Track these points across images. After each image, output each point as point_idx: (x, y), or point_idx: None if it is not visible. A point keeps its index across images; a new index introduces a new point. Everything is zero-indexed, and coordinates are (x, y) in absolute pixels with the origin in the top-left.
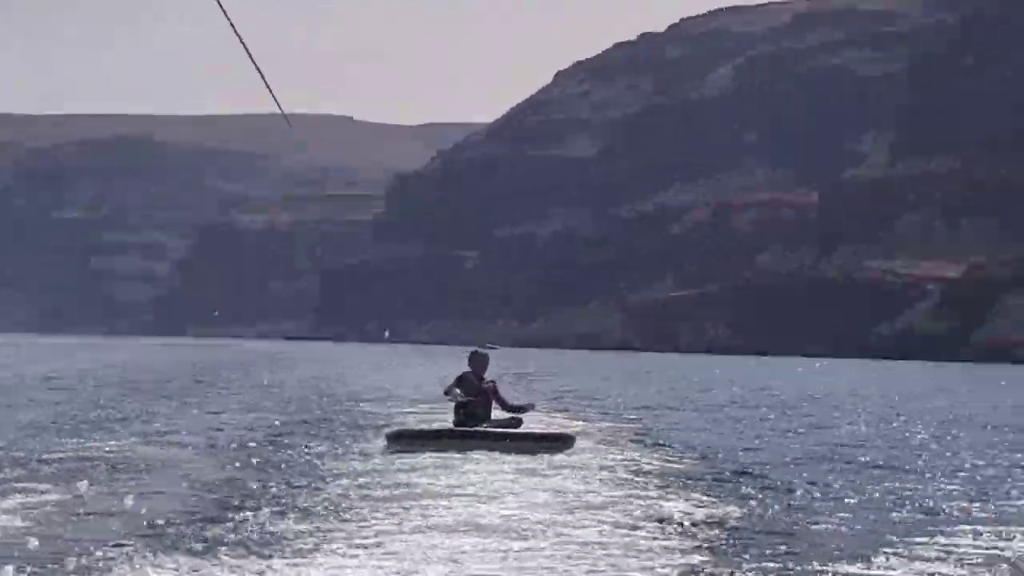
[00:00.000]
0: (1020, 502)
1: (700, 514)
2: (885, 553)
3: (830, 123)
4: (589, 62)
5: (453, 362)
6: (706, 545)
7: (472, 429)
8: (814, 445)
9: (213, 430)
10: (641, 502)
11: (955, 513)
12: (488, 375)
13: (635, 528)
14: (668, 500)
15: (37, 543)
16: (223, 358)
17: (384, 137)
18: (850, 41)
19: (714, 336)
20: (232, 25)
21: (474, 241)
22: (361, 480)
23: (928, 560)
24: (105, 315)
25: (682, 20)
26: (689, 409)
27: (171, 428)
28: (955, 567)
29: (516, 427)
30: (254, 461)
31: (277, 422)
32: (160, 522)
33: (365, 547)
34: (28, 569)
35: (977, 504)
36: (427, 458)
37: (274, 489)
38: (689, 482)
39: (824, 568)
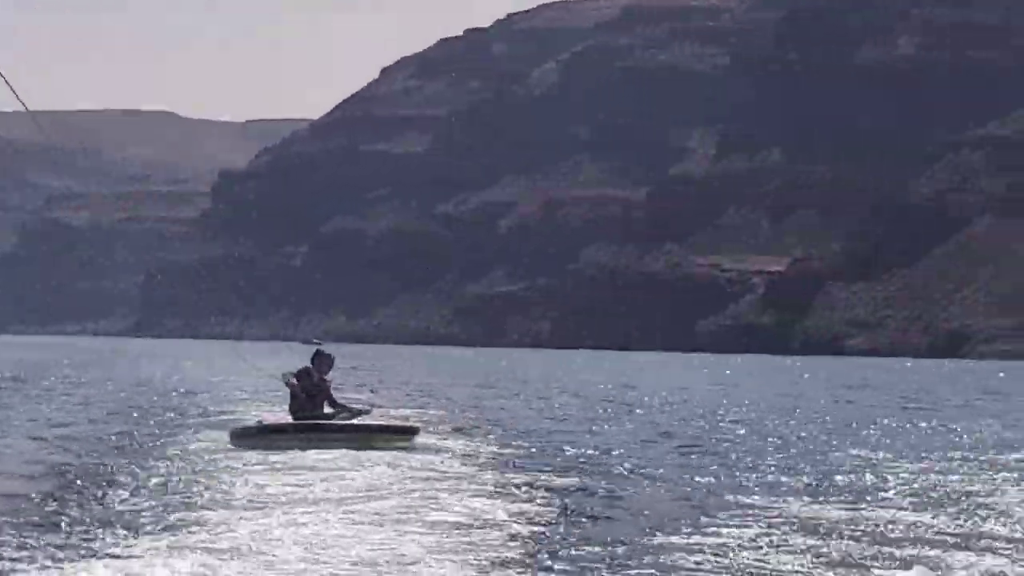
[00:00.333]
0: (807, 476)
1: (540, 501)
2: (695, 523)
3: (657, 119)
4: (415, 57)
5: (284, 359)
6: (542, 531)
7: (315, 423)
8: (635, 432)
9: (47, 428)
10: (481, 493)
11: (757, 486)
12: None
13: (472, 519)
14: (508, 490)
15: None
16: (49, 356)
17: (210, 133)
18: (676, 37)
19: (542, 331)
20: None
21: (302, 237)
22: (202, 477)
23: (737, 527)
24: None
25: (508, 15)
26: (520, 401)
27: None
28: (761, 528)
29: (369, 411)
30: (89, 461)
31: (112, 421)
32: None
33: (203, 544)
34: None
35: (787, 478)
36: (269, 453)
37: (116, 487)
38: (526, 470)
39: (644, 539)
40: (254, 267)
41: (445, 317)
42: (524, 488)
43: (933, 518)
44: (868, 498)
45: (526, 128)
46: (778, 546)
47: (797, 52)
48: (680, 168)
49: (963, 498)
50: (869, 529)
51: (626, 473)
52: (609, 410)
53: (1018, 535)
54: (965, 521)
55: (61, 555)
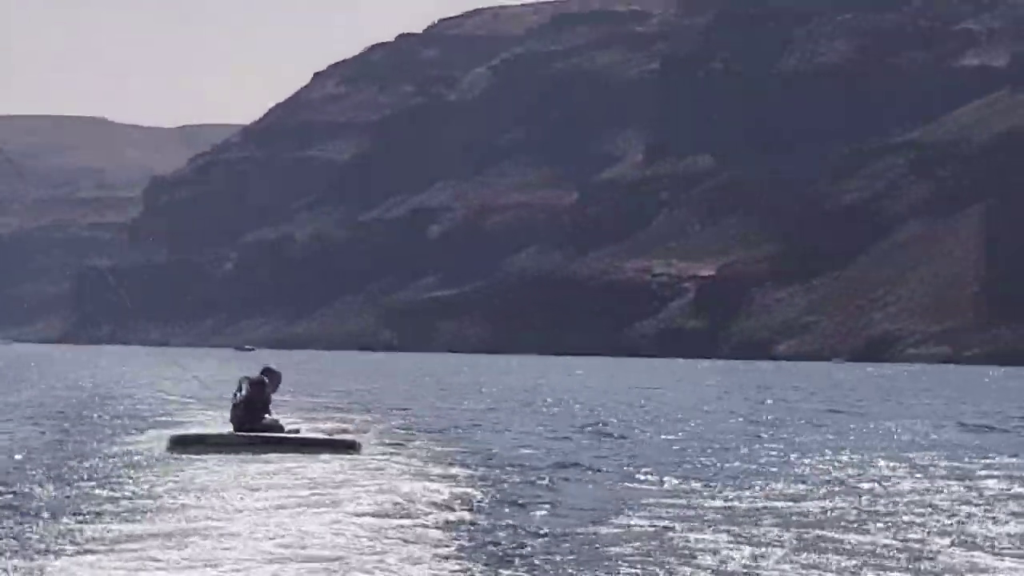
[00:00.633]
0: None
1: (469, 498)
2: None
3: (587, 124)
4: (346, 64)
5: (216, 364)
6: (486, 538)
7: (255, 434)
8: (566, 434)
9: None
10: (425, 504)
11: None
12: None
13: (420, 529)
14: (453, 501)
15: None
16: None
17: (140, 139)
18: (605, 42)
19: (473, 336)
20: None
21: (232, 243)
22: (140, 486)
23: (649, 517)
24: None
25: (440, 21)
26: (459, 408)
27: None
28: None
29: (298, 431)
30: (25, 468)
31: (48, 428)
32: None
33: (135, 551)
34: None
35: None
36: (209, 462)
37: (52, 493)
38: (473, 479)
39: (577, 528)
40: (184, 273)
41: (376, 323)
42: (458, 489)
43: (833, 504)
44: (775, 488)
45: (456, 134)
46: (688, 532)
47: (726, 57)
48: (610, 173)
49: (866, 487)
50: (775, 515)
51: (544, 467)
52: (533, 410)
53: (906, 518)
54: (864, 507)
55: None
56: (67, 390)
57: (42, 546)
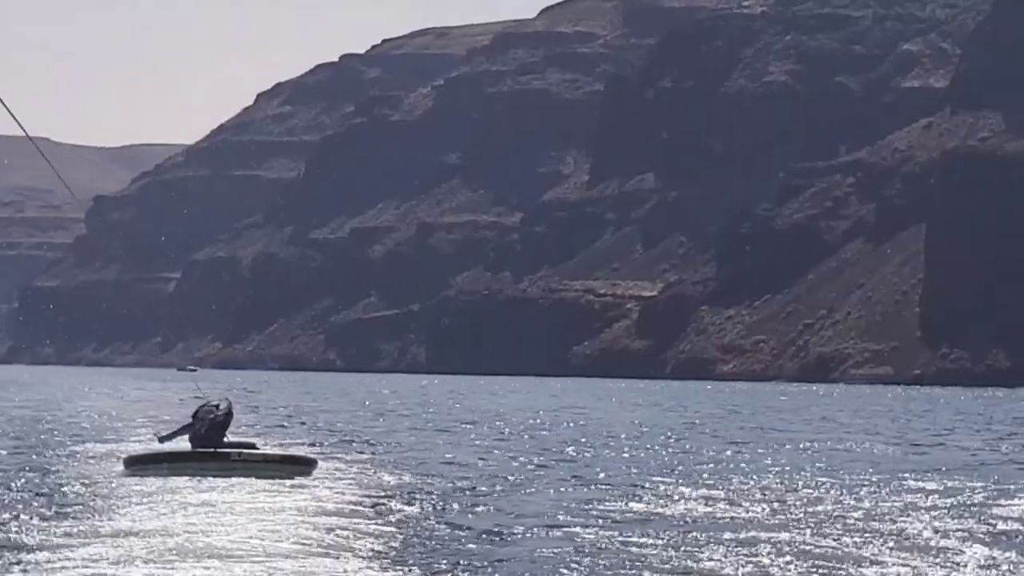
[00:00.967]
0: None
1: (440, 526)
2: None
3: (530, 145)
4: (290, 83)
5: (160, 385)
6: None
7: (210, 451)
8: (492, 447)
9: None
10: (379, 522)
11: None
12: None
13: (364, 547)
14: (405, 518)
15: None
16: None
17: (84, 159)
18: (549, 63)
19: (417, 356)
20: None
21: (175, 263)
22: (95, 504)
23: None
24: None
25: (383, 41)
26: (406, 428)
27: None
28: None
29: (254, 448)
30: None
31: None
32: None
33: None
34: None
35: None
36: (164, 481)
37: (4, 514)
38: (425, 496)
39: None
40: (127, 293)
41: (319, 343)
42: (403, 501)
43: (748, 512)
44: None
45: (400, 154)
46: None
47: (670, 78)
48: (553, 194)
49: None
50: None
51: (480, 481)
52: (472, 429)
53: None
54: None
55: None
56: (14, 410)
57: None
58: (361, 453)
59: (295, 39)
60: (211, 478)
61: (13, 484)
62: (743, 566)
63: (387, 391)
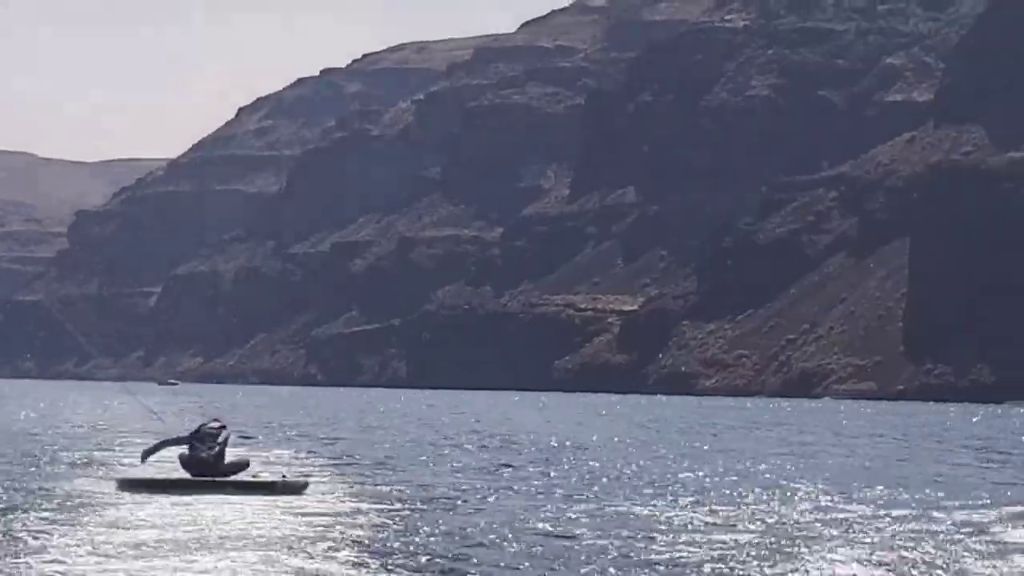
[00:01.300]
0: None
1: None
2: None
3: (511, 159)
4: (271, 97)
5: (142, 400)
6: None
7: (201, 478)
8: (473, 463)
9: None
10: (369, 549)
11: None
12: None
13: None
14: (392, 542)
15: None
16: None
17: (66, 173)
18: (529, 77)
19: (398, 370)
20: None
21: (156, 277)
22: (86, 529)
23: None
24: None
25: (364, 55)
26: (390, 444)
27: None
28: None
29: (246, 469)
30: None
31: None
32: None
33: None
34: None
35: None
36: (157, 504)
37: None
38: (407, 509)
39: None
40: (109, 307)
41: (300, 357)
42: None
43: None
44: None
45: (380, 168)
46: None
47: (651, 92)
48: (534, 208)
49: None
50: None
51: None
52: (452, 443)
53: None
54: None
55: None
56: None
57: None
58: (353, 471)
59: (276, 53)
60: (201, 500)
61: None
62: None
63: (369, 405)
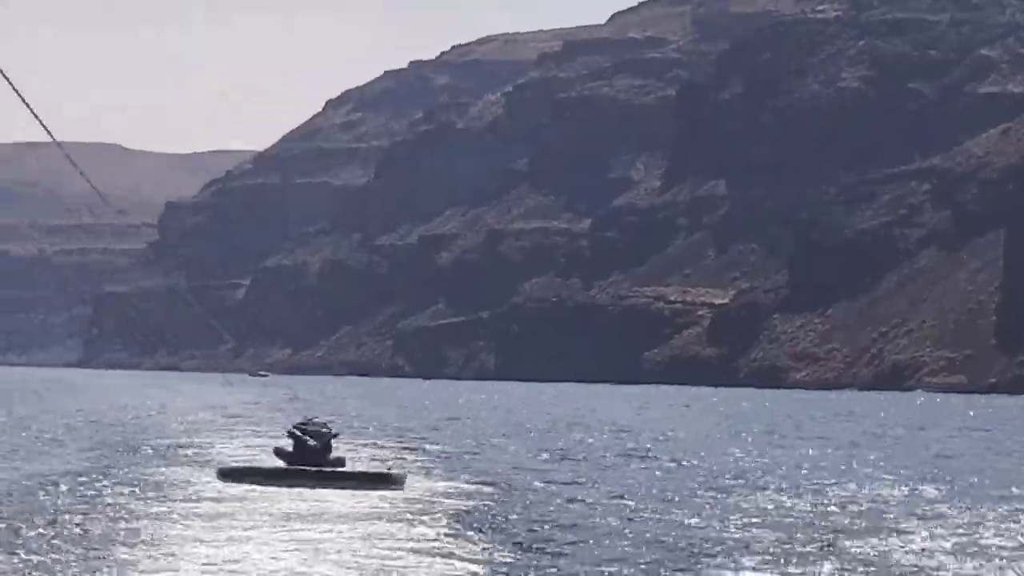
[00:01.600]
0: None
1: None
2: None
3: (600, 151)
4: (359, 91)
5: (236, 391)
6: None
7: (301, 468)
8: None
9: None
10: (464, 546)
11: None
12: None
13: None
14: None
15: None
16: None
17: (156, 165)
18: (619, 69)
19: (485, 363)
20: None
21: (245, 270)
22: (186, 517)
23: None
24: None
25: (452, 48)
26: (499, 436)
27: None
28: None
29: (342, 465)
30: (77, 494)
31: (88, 454)
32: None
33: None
34: None
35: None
36: (255, 494)
37: (101, 524)
38: (505, 501)
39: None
40: (199, 299)
41: (387, 349)
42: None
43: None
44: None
45: (468, 160)
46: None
47: (742, 84)
48: (624, 199)
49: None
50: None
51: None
52: (555, 437)
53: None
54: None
55: None
56: (103, 416)
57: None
58: (448, 466)
59: (363, 46)
60: (299, 491)
61: (108, 489)
62: None
63: (460, 398)
